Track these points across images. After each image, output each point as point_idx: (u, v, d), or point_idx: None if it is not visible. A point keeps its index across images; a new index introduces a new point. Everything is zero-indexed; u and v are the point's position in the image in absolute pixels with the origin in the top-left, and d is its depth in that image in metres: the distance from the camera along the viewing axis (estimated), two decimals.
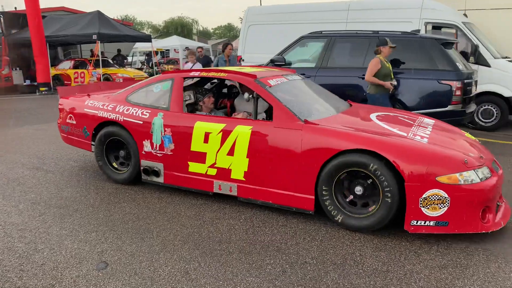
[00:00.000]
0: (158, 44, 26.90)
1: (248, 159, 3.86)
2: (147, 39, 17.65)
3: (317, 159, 3.55)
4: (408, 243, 3.35)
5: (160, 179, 4.43)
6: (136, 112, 4.51)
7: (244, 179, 3.92)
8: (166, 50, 27.72)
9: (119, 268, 2.97)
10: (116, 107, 4.68)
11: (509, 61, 8.20)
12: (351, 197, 3.57)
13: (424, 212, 3.22)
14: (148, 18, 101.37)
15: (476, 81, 7.11)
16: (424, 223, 3.24)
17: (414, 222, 3.27)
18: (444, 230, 3.24)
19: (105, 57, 17.19)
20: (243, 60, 10.39)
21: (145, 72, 18.95)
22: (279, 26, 9.72)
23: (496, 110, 7.85)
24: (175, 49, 27.24)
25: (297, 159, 3.64)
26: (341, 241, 3.41)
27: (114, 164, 4.84)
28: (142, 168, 4.51)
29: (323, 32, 7.40)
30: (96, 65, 15.69)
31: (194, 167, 4.18)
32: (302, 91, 4.61)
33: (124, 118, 4.55)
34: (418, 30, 7.60)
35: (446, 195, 3.15)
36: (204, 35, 62.34)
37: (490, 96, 7.84)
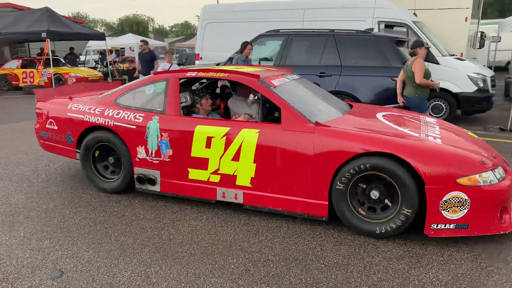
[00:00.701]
0: (112, 42, 26.10)
1: (255, 164, 3.64)
2: (101, 37, 17.05)
3: (332, 163, 3.37)
4: (366, 236, 3.44)
5: (156, 188, 4.15)
6: (128, 116, 4.18)
7: (250, 186, 3.70)
8: (121, 48, 26.95)
9: (75, 276, 2.84)
10: (104, 111, 4.32)
11: (456, 58, 8.62)
12: (370, 203, 3.42)
13: (444, 215, 3.14)
14: (101, 15, 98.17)
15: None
16: (444, 226, 3.17)
17: (435, 226, 3.18)
18: (464, 232, 3.18)
19: (56, 56, 16.44)
20: (201, 59, 10.29)
21: (99, 71, 18.32)
22: (236, 24, 9.71)
23: (445, 106, 8.24)
24: (130, 48, 26.54)
25: (309, 164, 3.46)
26: (302, 236, 3.45)
27: (101, 172, 4.49)
28: (135, 176, 4.19)
29: (280, 30, 7.46)
30: (47, 64, 14.98)
31: (195, 174, 3.92)
32: (304, 91, 4.37)
33: (115, 123, 4.21)
34: (372, 29, 7.84)
35: (467, 197, 3.08)
36: (161, 33, 61.20)
37: (439, 92, 8.22)
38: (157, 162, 4.07)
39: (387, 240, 3.37)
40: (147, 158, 4.10)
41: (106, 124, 4.26)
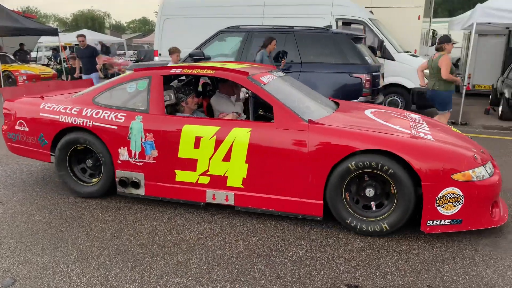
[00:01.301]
0: (66, 38, 25.01)
1: (247, 164, 3.53)
2: (54, 33, 16.29)
3: (327, 161, 3.32)
4: (329, 229, 3.50)
5: (140, 191, 3.94)
6: (108, 116, 3.94)
7: (242, 187, 3.60)
8: (76, 45, 25.90)
9: (28, 283, 2.70)
10: (82, 111, 4.05)
11: (410, 55, 8.94)
12: (365, 201, 3.42)
13: (440, 211, 3.17)
14: (53, 10, 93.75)
15: (383, 74, 7.66)
16: (440, 222, 3.20)
17: (430, 222, 3.20)
18: (458, 228, 3.22)
19: (4, 53, 15.58)
20: (160, 55, 10.07)
21: (52, 68, 17.53)
22: (195, 20, 9.57)
23: (401, 101, 8.52)
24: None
25: (304, 163, 3.39)
26: (266, 232, 3.45)
27: (79, 175, 4.23)
28: (117, 179, 3.97)
29: (240, 27, 7.43)
30: None
31: (182, 175, 3.76)
32: (292, 89, 4.26)
33: (94, 123, 3.96)
34: (330, 26, 7.97)
35: (461, 193, 3.12)
36: (118, 29, 59.42)
37: (395, 88, 8.50)
38: (141, 164, 3.88)
39: (348, 233, 3.44)
40: (130, 160, 3.90)
41: (84, 124, 4.00)
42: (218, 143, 3.58)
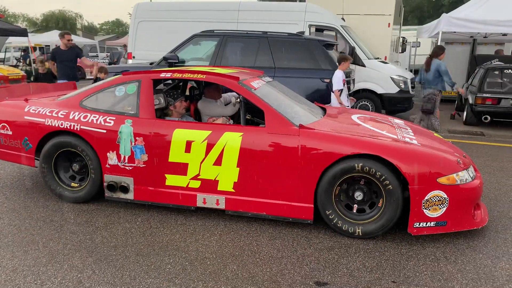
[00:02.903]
0: (36, 39, 24.44)
1: (238, 168, 3.55)
2: (23, 33, 15.91)
3: (317, 165, 3.38)
4: (300, 229, 3.60)
5: (129, 196, 3.90)
6: (96, 120, 3.89)
7: (233, 190, 3.62)
8: (46, 46, 25.31)
9: None
10: (69, 114, 3.97)
11: (380, 61, 9.23)
12: (356, 205, 3.50)
13: (426, 214, 3.27)
14: (22, 10, 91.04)
15: (353, 80, 7.89)
16: (426, 224, 3.30)
17: (417, 224, 3.30)
18: (443, 229, 3.33)
19: None
20: (134, 58, 10.01)
21: (21, 69, 17.07)
22: (170, 23, 9.57)
23: (371, 105, 8.78)
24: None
25: (295, 167, 3.44)
26: (238, 233, 3.52)
27: (64, 180, 4.15)
28: (106, 184, 3.93)
29: (215, 31, 7.49)
30: None
31: (173, 180, 3.74)
32: (281, 94, 4.30)
33: (82, 127, 3.89)
34: (303, 32, 8.14)
35: (446, 196, 3.23)
36: (90, 30, 58.32)
37: (366, 93, 8.75)
38: (130, 168, 3.84)
39: (319, 232, 3.55)
40: (119, 164, 3.86)
41: (71, 128, 3.93)
42: (209, 147, 3.60)
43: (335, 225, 3.47)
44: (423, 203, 3.25)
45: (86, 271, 2.87)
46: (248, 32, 7.34)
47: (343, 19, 9.90)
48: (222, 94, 4.89)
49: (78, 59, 7.70)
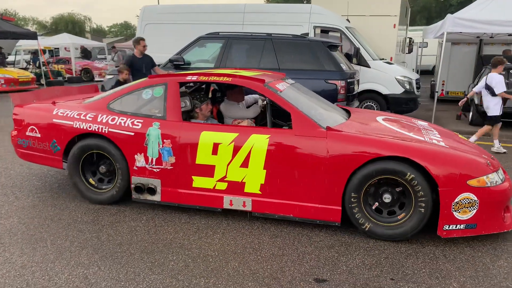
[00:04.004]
0: (45, 42, 24.76)
1: (265, 170, 3.57)
2: (32, 36, 16.18)
3: (346, 168, 3.38)
4: (301, 228, 3.66)
5: (156, 197, 3.94)
6: (124, 122, 3.94)
7: (260, 193, 3.63)
8: (56, 48, 25.66)
9: (8, 282, 2.77)
10: (97, 117, 4.03)
11: (385, 62, 9.25)
12: (382, 207, 3.49)
13: (456, 216, 3.26)
14: (32, 13, 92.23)
15: (358, 80, 7.93)
16: (456, 227, 3.29)
17: (447, 227, 3.30)
18: (472, 232, 3.32)
19: None
20: None
21: (31, 72, 17.34)
22: (176, 26, 9.69)
23: (376, 106, 8.80)
24: (65, 48, 25.33)
25: (323, 169, 3.44)
26: (241, 231, 3.59)
27: (92, 182, 4.19)
28: (133, 185, 3.96)
29: (220, 33, 7.59)
30: None
31: (200, 182, 3.78)
32: (305, 96, 4.30)
33: (110, 129, 3.94)
34: (307, 34, 8.20)
35: (476, 198, 3.23)
36: (99, 33, 58.89)
37: (370, 94, 8.77)
38: (157, 170, 3.88)
39: (319, 230, 3.61)
40: (147, 166, 3.91)
41: (100, 130, 3.98)
42: (236, 149, 3.63)
43: (360, 226, 3.47)
44: (453, 205, 3.25)
45: (92, 268, 2.97)
46: (253, 34, 7.42)
47: (348, 20, 9.94)
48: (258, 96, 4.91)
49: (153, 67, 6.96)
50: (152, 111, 4.01)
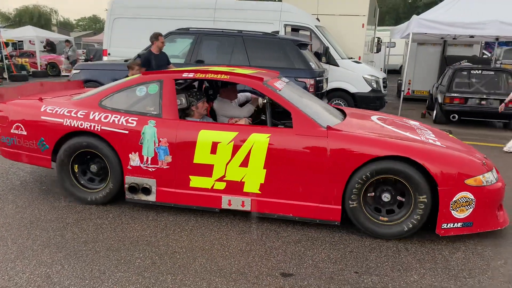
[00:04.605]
0: (8, 34, 23.78)
1: (265, 170, 3.53)
2: None
3: (346, 167, 3.40)
4: (269, 223, 3.70)
5: (151, 198, 3.83)
6: (118, 120, 3.80)
7: (259, 192, 3.60)
8: (19, 41, 24.70)
9: None
10: (89, 114, 3.88)
11: (353, 61, 9.44)
12: (386, 206, 3.53)
13: (454, 215, 3.33)
14: None
15: (327, 79, 8.06)
16: (453, 225, 3.36)
17: (445, 225, 3.37)
18: (469, 230, 3.40)
19: None
20: (109, 55, 9.93)
21: None
22: (146, 21, 9.52)
23: (344, 104, 8.97)
24: (30, 41, 24.44)
25: (323, 168, 3.44)
26: (209, 228, 3.60)
27: (81, 181, 4.04)
28: (127, 185, 3.84)
29: (190, 29, 7.53)
30: None
31: (197, 181, 3.71)
32: (301, 95, 4.28)
33: (103, 127, 3.80)
34: (278, 32, 8.26)
35: (473, 197, 3.31)
36: (66, 26, 57.11)
37: (339, 92, 8.95)
38: (153, 169, 3.78)
39: (287, 226, 3.66)
40: (142, 165, 3.79)
41: (92, 128, 3.83)
42: (236, 148, 3.58)
43: (360, 225, 3.50)
44: (451, 204, 3.32)
45: (55, 266, 2.90)
46: (224, 30, 7.41)
47: (318, 19, 10.07)
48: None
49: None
50: (147, 108, 3.89)
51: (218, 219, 3.78)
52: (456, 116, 8.81)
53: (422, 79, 13.10)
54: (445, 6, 9.77)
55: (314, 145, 3.49)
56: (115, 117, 3.86)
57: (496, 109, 7.93)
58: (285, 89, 4.01)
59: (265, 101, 3.91)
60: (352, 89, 8.79)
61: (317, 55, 8.49)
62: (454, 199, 3.31)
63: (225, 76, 3.94)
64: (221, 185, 3.68)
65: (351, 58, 9.68)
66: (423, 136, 3.80)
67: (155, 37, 6.33)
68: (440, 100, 9.06)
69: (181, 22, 8.55)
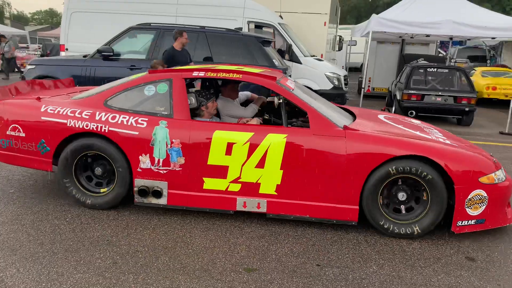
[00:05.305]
0: None
1: (282, 171, 3.47)
2: None
3: (365, 167, 3.38)
4: (233, 220, 3.71)
5: (162, 201, 3.68)
6: (127, 121, 3.64)
7: (275, 193, 3.53)
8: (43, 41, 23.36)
9: None
10: (94, 114, 3.68)
11: (315, 59, 9.59)
12: (402, 205, 3.53)
13: (468, 212, 3.39)
14: None
15: (290, 76, 8.14)
16: (467, 222, 3.42)
17: (460, 223, 3.42)
18: (481, 227, 3.47)
19: None
20: (67, 50, 9.58)
21: None
22: (105, 15, 9.26)
23: None
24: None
25: (341, 169, 3.41)
26: (172, 226, 3.56)
27: (85, 184, 3.84)
28: (137, 188, 3.68)
29: (151, 24, 7.40)
30: None
31: (211, 183, 3.60)
32: (311, 94, 4.19)
33: (110, 128, 3.62)
34: (241, 28, 8.26)
35: (486, 194, 3.37)
36: (20, 19, 54.52)
37: None
38: (165, 172, 3.64)
39: (251, 221, 3.69)
40: (153, 167, 3.64)
41: (99, 129, 3.64)
42: (252, 149, 3.50)
43: (377, 224, 3.51)
44: (466, 202, 3.38)
45: (9, 270, 2.78)
46: (186, 26, 7.32)
47: (281, 16, 10.15)
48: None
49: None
50: (157, 108, 3.75)
51: (182, 217, 3.75)
52: (414, 112, 9.14)
53: (382, 76, 13.51)
54: (402, 6, 10.12)
55: (332, 145, 3.46)
56: (123, 117, 3.69)
57: (450, 105, 8.29)
58: (297, 89, 3.97)
59: (280, 100, 3.84)
60: (315, 86, 8.92)
61: (280, 53, 8.56)
62: (469, 197, 3.39)
63: (238, 75, 3.84)
64: (236, 187, 3.60)
65: (314, 56, 9.84)
66: (432, 135, 3.86)
67: (180, 33, 6.14)
68: (398, 97, 9.38)
69: (142, 17, 8.39)
